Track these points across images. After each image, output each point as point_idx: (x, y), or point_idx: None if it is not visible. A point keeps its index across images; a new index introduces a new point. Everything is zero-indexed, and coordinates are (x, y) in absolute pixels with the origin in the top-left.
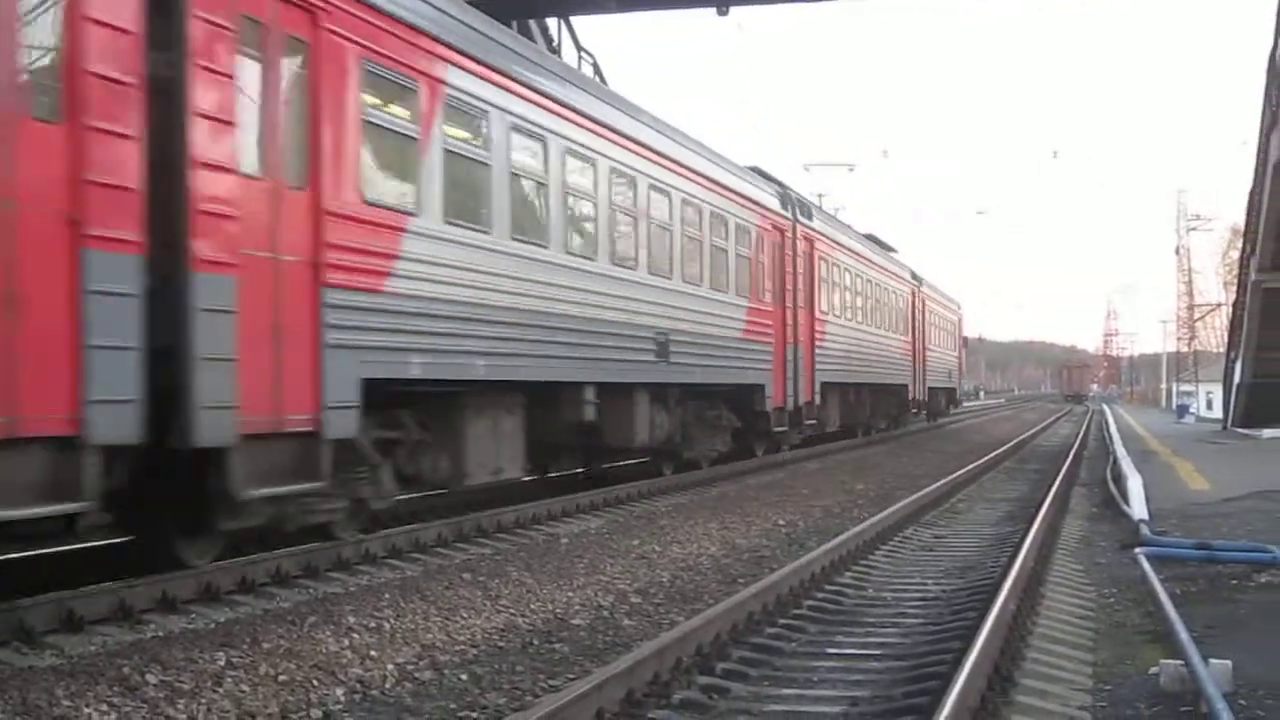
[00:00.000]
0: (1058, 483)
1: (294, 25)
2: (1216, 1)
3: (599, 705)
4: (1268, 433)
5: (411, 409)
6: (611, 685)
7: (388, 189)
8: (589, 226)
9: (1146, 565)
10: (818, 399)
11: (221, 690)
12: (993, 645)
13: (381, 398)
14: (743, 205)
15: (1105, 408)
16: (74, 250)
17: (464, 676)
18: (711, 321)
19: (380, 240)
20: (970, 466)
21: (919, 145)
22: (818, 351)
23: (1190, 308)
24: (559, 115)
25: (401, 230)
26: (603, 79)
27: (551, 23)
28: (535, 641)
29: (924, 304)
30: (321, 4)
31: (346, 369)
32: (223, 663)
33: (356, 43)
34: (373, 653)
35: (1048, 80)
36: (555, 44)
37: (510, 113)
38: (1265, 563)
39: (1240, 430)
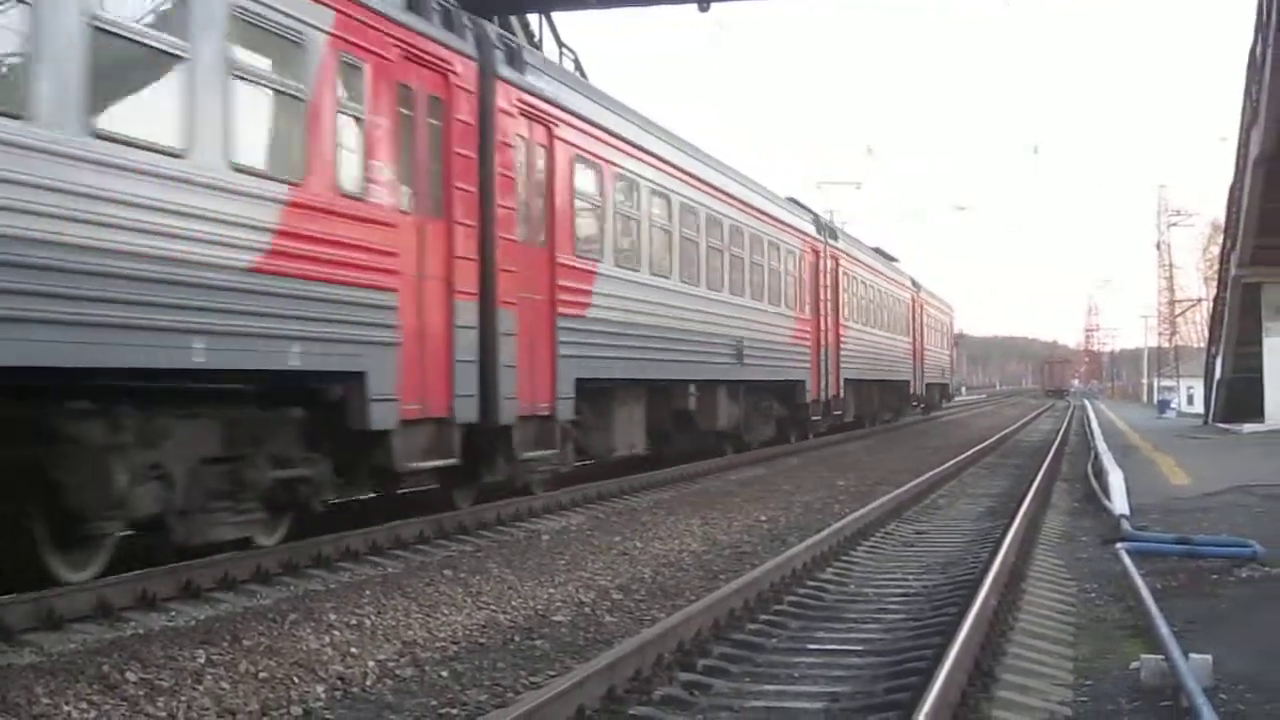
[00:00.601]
0: (1039, 478)
1: (543, 138)
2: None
3: (580, 702)
4: (1248, 427)
5: (585, 400)
6: (593, 682)
7: (588, 244)
8: (693, 260)
9: (1127, 560)
10: (842, 393)
11: (201, 688)
12: (974, 641)
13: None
14: (789, 233)
15: (1087, 403)
16: (449, 301)
17: (445, 673)
18: (770, 330)
19: (584, 282)
20: (952, 462)
21: (900, 142)
22: (842, 353)
23: (1171, 303)
24: (678, 179)
25: (594, 274)
26: (583, 74)
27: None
28: (516, 638)
29: (922, 308)
30: (554, 121)
31: (568, 372)
32: (203, 660)
33: (571, 144)
34: (353, 650)
35: (1028, 76)
36: (537, 39)
37: (650, 180)
38: (1245, 557)
39: (1221, 425)
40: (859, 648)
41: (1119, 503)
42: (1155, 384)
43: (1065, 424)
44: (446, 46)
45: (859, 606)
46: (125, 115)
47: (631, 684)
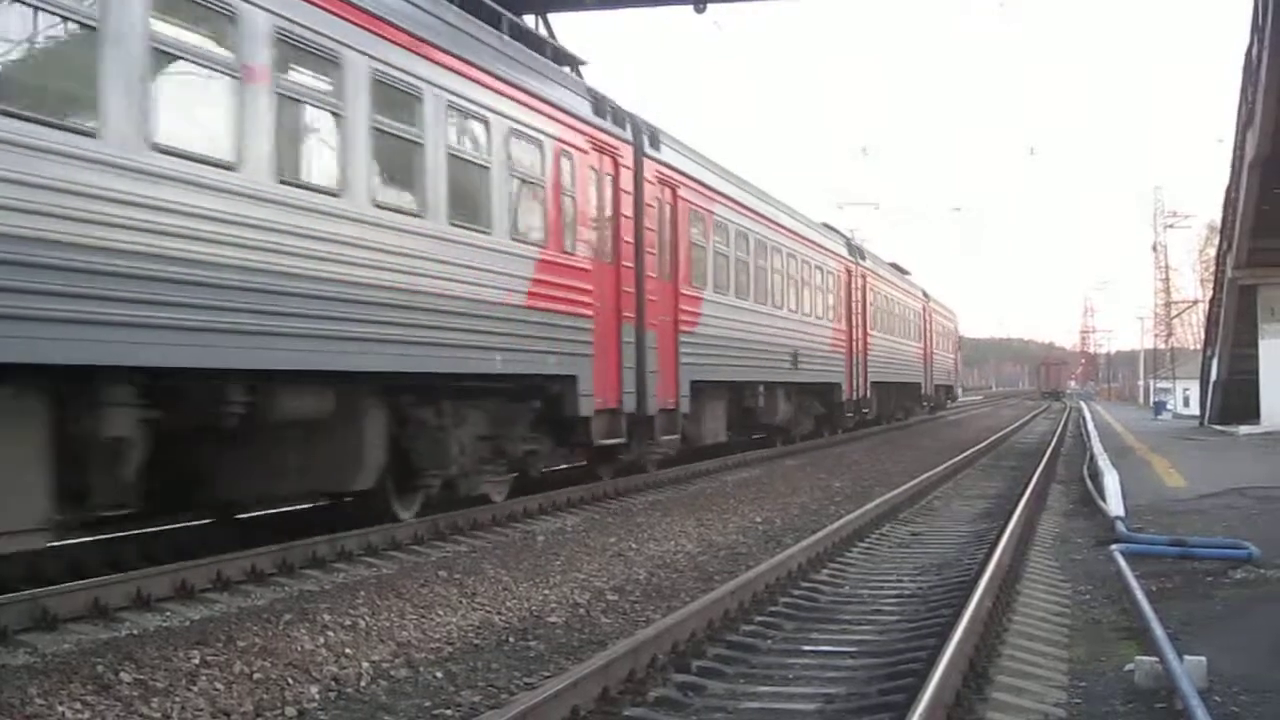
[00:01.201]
0: (1034, 480)
1: (669, 197)
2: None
3: (574, 703)
4: (1244, 429)
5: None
6: (587, 683)
7: (698, 276)
8: (763, 284)
9: (1122, 562)
10: (869, 394)
11: (196, 688)
12: (968, 642)
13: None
14: (828, 255)
15: (1084, 405)
16: (618, 325)
17: (439, 674)
18: (817, 339)
19: (695, 306)
20: (947, 464)
21: (896, 142)
22: (869, 358)
23: (1167, 304)
24: (753, 219)
25: (701, 299)
26: (579, 74)
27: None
28: (511, 639)
29: (931, 316)
30: (676, 182)
31: (687, 375)
32: (197, 661)
33: (687, 200)
34: (348, 651)
35: (1025, 77)
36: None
37: (736, 223)
38: (1240, 559)
39: (1217, 427)
40: (854, 649)
41: (1114, 504)
42: (1151, 385)
43: (1061, 426)
44: (615, 137)
45: (854, 608)
46: (469, 215)
47: (626, 685)
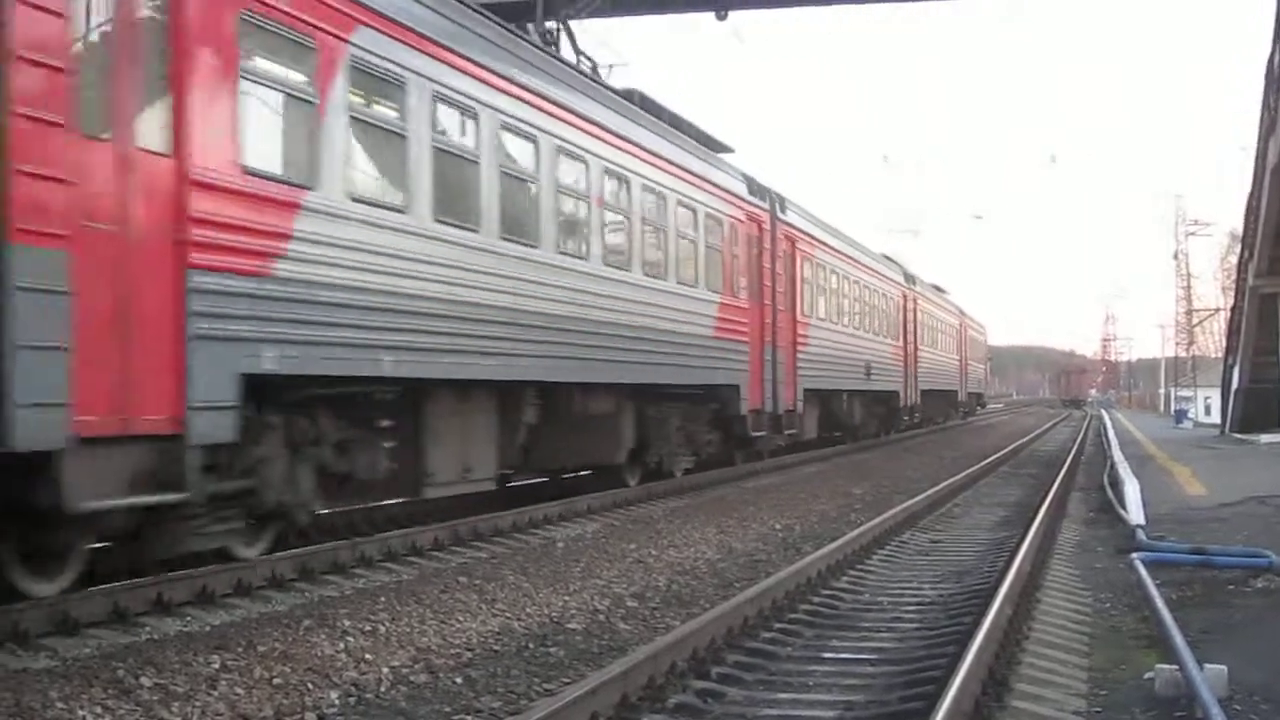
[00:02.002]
0: (1054, 488)
1: (790, 248)
2: (1215, 7)
3: (593, 709)
4: (1265, 438)
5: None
6: (606, 689)
7: (808, 306)
8: (852, 310)
9: (1142, 570)
10: (918, 400)
11: (216, 693)
12: (988, 650)
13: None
14: (891, 284)
15: (1104, 413)
16: (762, 348)
17: (459, 680)
18: (883, 354)
19: (805, 330)
20: (967, 471)
21: (917, 150)
22: (919, 369)
23: (1188, 313)
24: (844, 260)
25: (809, 324)
26: (599, 80)
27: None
28: (531, 645)
29: (965, 331)
30: (795, 237)
31: (802, 384)
32: (217, 666)
33: (802, 250)
34: (368, 656)
35: (1045, 85)
36: (555, 47)
37: (833, 264)
38: (1261, 568)
39: (1238, 435)
40: (873, 656)
41: (1134, 513)
42: (1172, 394)
43: (1081, 434)
44: (760, 207)
45: (873, 615)
46: (690, 278)
47: (645, 692)
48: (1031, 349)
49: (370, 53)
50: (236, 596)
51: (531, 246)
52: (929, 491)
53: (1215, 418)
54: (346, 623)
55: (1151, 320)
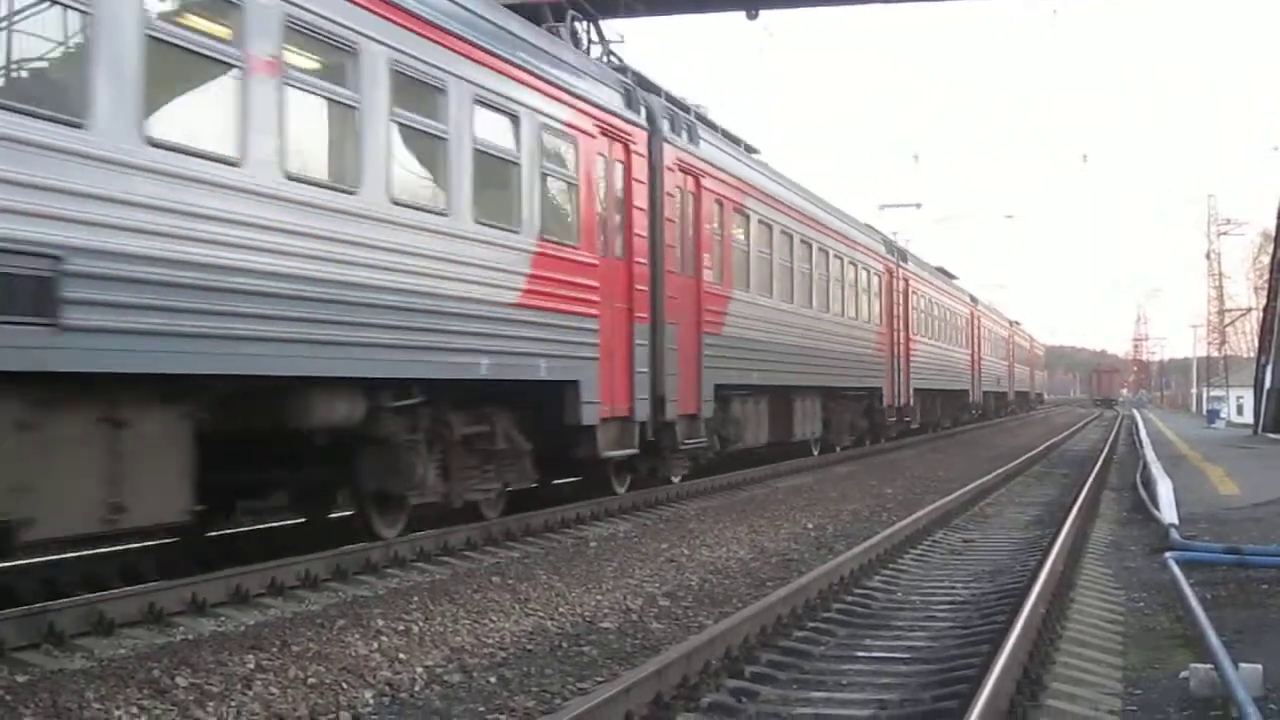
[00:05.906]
0: (1087, 487)
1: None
2: (1248, 7)
3: (627, 708)
4: None
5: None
6: (640, 688)
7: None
8: (945, 330)
9: (1176, 569)
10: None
11: (251, 693)
12: (1022, 649)
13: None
14: (963, 304)
15: (1136, 413)
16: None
17: (493, 679)
18: (958, 361)
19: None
20: (999, 470)
21: (948, 149)
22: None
23: (1220, 312)
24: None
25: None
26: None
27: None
28: (564, 644)
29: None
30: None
31: (915, 383)
32: (252, 665)
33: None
34: (401, 655)
35: (1078, 84)
36: (585, 46)
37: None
38: None
39: (1271, 435)
40: (906, 655)
41: (1167, 512)
42: (1204, 394)
43: (1113, 434)
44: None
45: (906, 614)
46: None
47: (678, 690)
48: (1063, 348)
49: None
50: (270, 596)
51: (805, 307)
52: (960, 491)
53: (1248, 418)
54: (380, 622)
55: (1183, 320)
